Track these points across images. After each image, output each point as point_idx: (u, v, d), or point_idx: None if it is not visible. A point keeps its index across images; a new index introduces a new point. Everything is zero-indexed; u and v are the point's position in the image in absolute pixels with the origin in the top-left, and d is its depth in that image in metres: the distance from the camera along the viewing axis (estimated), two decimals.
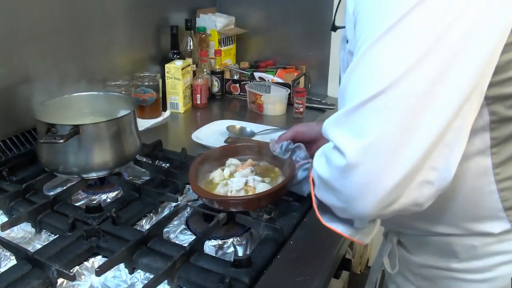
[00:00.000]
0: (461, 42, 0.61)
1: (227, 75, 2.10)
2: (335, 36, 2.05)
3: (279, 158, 1.11)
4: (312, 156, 0.85)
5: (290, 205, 1.08)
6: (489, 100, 0.71)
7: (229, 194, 1.05)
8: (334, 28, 0.91)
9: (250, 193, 1.04)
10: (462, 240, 0.84)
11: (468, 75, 0.63)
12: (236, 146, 1.23)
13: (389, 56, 0.63)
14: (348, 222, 0.79)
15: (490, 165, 0.77)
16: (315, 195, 0.79)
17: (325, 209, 0.79)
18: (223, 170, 1.13)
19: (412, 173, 0.63)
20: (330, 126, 0.69)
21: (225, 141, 1.53)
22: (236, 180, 1.08)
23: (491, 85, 0.68)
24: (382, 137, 0.62)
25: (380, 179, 0.63)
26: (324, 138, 0.74)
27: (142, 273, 0.89)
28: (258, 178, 1.09)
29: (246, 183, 1.07)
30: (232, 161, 1.17)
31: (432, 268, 0.91)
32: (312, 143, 1.11)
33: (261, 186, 1.06)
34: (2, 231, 0.98)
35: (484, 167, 0.77)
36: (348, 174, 0.64)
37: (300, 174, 1.07)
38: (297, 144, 1.09)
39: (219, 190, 1.06)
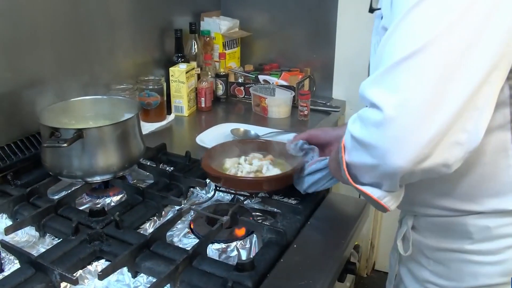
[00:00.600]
0: (492, 8, 0.66)
1: (231, 78, 2.10)
2: (340, 38, 2.05)
3: (294, 157, 1.14)
4: None
5: (293, 208, 1.08)
6: (509, 74, 0.73)
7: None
8: (372, 10, 0.92)
9: None
10: (477, 221, 0.86)
11: (494, 43, 0.67)
12: (255, 141, 1.32)
13: (425, 18, 0.67)
14: (377, 187, 0.81)
15: (509, 140, 0.80)
16: (346, 161, 0.82)
17: (355, 178, 0.83)
18: (239, 157, 1.22)
19: (444, 131, 0.66)
20: (367, 85, 0.73)
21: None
22: (248, 166, 1.16)
23: None
24: (417, 93, 0.66)
25: (414, 134, 0.66)
26: (336, 142, 0.75)
27: (145, 277, 0.89)
28: (272, 167, 1.16)
29: (258, 170, 1.16)
30: (255, 154, 1.23)
31: (445, 251, 0.93)
32: (325, 147, 1.13)
33: (271, 173, 1.14)
34: (6, 235, 0.98)
35: (503, 142, 0.80)
36: (384, 128, 0.68)
37: (307, 170, 1.08)
38: (312, 146, 1.11)
39: (230, 170, 1.16)
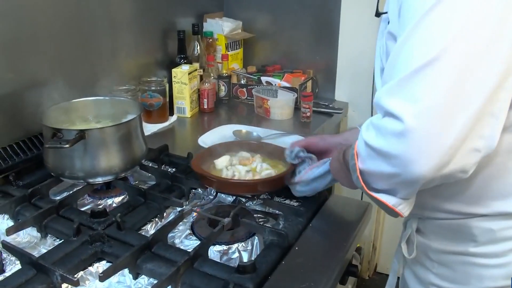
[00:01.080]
0: (504, 12, 0.66)
1: (234, 80, 2.10)
2: (343, 40, 2.05)
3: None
4: None
5: (295, 210, 1.08)
6: None
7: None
8: (378, 14, 0.93)
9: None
10: (481, 223, 0.86)
11: (508, 47, 0.68)
12: (248, 143, 1.32)
13: (438, 25, 0.68)
14: (390, 194, 0.82)
15: None
16: (360, 169, 0.82)
17: (369, 184, 0.84)
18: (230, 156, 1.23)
19: (463, 137, 0.68)
20: (384, 95, 0.73)
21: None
22: (242, 167, 1.18)
23: None
24: (435, 102, 0.67)
25: (436, 142, 0.68)
26: (335, 149, 0.75)
27: (146, 278, 0.89)
28: (265, 165, 1.17)
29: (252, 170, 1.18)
30: (242, 153, 1.23)
31: (450, 254, 0.93)
32: (324, 154, 1.12)
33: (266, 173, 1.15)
34: (7, 235, 0.98)
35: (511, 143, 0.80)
36: (405, 138, 0.69)
37: (303, 178, 1.07)
38: (310, 155, 1.11)
39: (223, 172, 1.16)
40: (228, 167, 1.18)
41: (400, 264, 1.09)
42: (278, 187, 1.13)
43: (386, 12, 0.88)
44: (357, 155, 0.82)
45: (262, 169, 1.18)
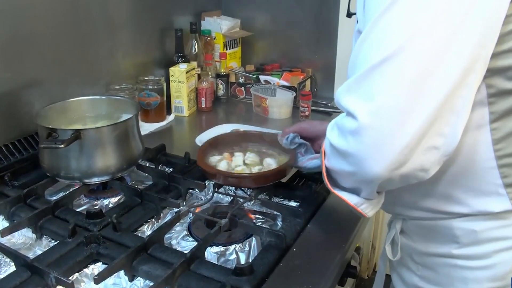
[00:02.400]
0: (465, 11, 0.65)
1: (232, 78, 2.08)
2: (342, 39, 2.03)
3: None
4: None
5: (293, 211, 1.07)
6: (486, 73, 0.72)
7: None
8: (349, 14, 0.92)
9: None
10: (463, 224, 0.85)
11: (469, 45, 0.66)
12: (244, 133, 1.36)
13: (396, 23, 0.67)
14: (355, 193, 0.84)
15: (489, 141, 0.78)
16: (325, 166, 0.84)
17: (335, 182, 0.86)
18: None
19: (420, 136, 0.67)
20: (342, 94, 0.73)
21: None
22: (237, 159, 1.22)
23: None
24: (390, 100, 0.66)
25: (390, 140, 0.67)
26: (324, 136, 0.81)
27: (142, 280, 0.88)
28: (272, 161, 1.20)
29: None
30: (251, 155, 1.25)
31: (433, 256, 0.92)
32: (314, 141, 1.15)
33: (269, 161, 1.19)
34: (2, 237, 0.96)
35: (483, 143, 0.79)
36: (359, 136, 0.69)
37: (304, 166, 1.11)
38: (304, 142, 1.13)
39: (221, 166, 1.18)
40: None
41: (384, 267, 1.09)
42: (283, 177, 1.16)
43: (355, 13, 0.87)
44: (324, 153, 0.84)
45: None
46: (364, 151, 0.70)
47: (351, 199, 0.85)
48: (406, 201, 0.92)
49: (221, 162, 1.20)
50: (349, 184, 0.83)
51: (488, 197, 0.81)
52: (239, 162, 1.19)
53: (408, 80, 0.66)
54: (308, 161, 1.09)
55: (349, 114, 0.71)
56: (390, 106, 0.66)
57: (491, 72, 0.73)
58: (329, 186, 0.86)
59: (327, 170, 0.85)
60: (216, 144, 1.27)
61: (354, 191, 0.84)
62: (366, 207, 0.85)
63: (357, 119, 0.68)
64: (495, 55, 0.71)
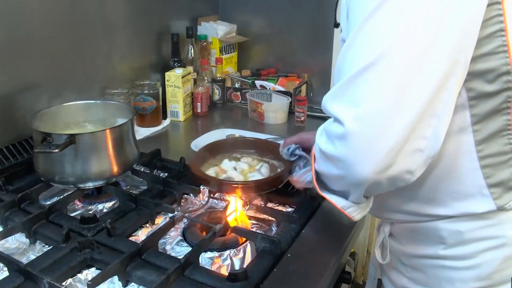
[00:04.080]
0: (443, 16, 0.68)
1: (228, 83, 2.09)
2: (337, 44, 2.03)
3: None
4: None
5: (288, 216, 1.06)
6: (466, 76, 0.74)
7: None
8: (336, 24, 0.94)
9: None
10: (449, 225, 0.86)
11: (448, 49, 0.69)
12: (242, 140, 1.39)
13: (377, 30, 0.69)
14: (344, 196, 0.86)
15: (472, 143, 0.80)
16: (315, 170, 0.87)
17: (324, 185, 0.88)
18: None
19: (404, 139, 0.69)
20: (328, 100, 0.76)
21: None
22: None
23: None
24: (374, 105, 0.68)
25: (376, 144, 0.69)
26: None
27: (136, 286, 0.87)
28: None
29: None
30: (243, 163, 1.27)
31: (421, 258, 0.93)
32: None
33: (265, 170, 1.21)
34: None
35: (466, 145, 0.80)
36: (346, 141, 0.71)
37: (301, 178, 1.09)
38: (305, 155, 1.13)
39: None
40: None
41: (375, 270, 1.10)
42: (278, 185, 1.16)
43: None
44: (314, 157, 0.86)
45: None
46: (351, 155, 0.72)
47: (338, 202, 0.87)
48: (392, 205, 0.93)
49: (214, 170, 1.23)
50: (338, 187, 0.85)
51: (472, 198, 0.83)
52: (231, 169, 1.22)
53: (391, 85, 0.68)
54: (304, 175, 1.08)
55: (336, 119, 0.73)
56: (374, 111, 0.68)
57: (471, 76, 0.75)
58: (318, 189, 0.88)
59: (317, 173, 0.87)
60: (211, 151, 1.29)
61: (343, 195, 0.86)
62: (353, 211, 0.87)
63: (343, 124, 0.70)
64: (474, 59, 0.73)
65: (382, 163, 0.70)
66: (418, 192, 0.86)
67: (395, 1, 0.68)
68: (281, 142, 1.21)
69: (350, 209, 0.86)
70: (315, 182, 0.88)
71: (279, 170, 1.21)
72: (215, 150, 1.31)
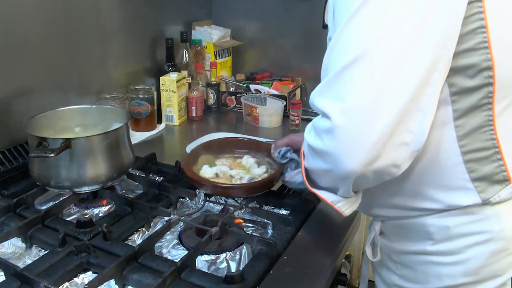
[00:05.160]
0: (426, 12, 0.70)
1: (222, 88, 2.09)
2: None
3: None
4: None
5: (284, 219, 1.07)
6: (448, 72, 0.76)
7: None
8: (325, 26, 0.95)
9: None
10: (436, 220, 0.87)
11: (431, 45, 0.71)
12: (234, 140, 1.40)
13: (362, 26, 0.71)
14: (333, 191, 0.88)
15: (454, 138, 0.81)
16: (304, 166, 0.89)
17: (314, 182, 0.90)
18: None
19: (389, 133, 0.70)
20: (316, 96, 0.78)
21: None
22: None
23: None
24: (360, 99, 0.70)
25: (362, 137, 0.71)
26: None
27: None
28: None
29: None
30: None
31: (410, 254, 0.94)
32: None
33: (257, 171, 1.23)
34: None
35: (449, 140, 0.82)
36: (333, 135, 0.73)
37: (291, 181, 1.14)
38: (297, 158, 1.14)
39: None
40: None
41: (367, 269, 1.11)
42: (270, 187, 1.18)
43: None
44: (303, 154, 0.88)
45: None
46: (338, 148, 0.73)
47: (328, 197, 0.88)
48: (379, 201, 0.94)
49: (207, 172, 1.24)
50: (326, 183, 0.87)
51: (457, 192, 0.84)
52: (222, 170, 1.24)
53: (375, 80, 0.70)
54: (296, 176, 1.12)
55: (323, 114, 0.75)
56: (360, 105, 0.70)
57: (453, 71, 0.76)
58: (308, 185, 0.90)
59: (306, 171, 0.89)
60: (204, 151, 1.31)
61: (332, 191, 0.88)
62: (342, 205, 0.89)
63: (330, 118, 0.72)
64: (455, 55, 0.75)
65: (368, 155, 0.71)
66: (403, 186, 0.88)
67: (378, 0, 0.71)
68: (272, 144, 1.22)
69: (339, 203, 0.88)
70: (305, 179, 0.90)
71: (272, 171, 1.22)
72: (208, 151, 1.33)
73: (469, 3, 0.73)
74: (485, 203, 0.83)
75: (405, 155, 0.74)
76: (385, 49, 0.70)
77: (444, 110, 0.80)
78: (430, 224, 0.88)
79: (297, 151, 1.15)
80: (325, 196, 0.89)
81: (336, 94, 0.73)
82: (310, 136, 0.82)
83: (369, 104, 0.70)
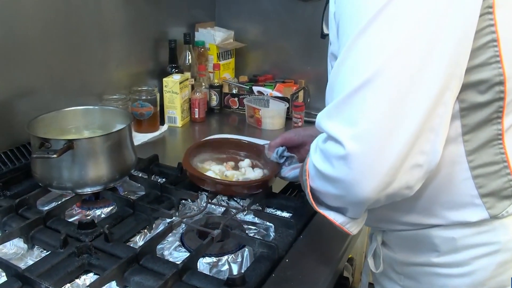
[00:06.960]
0: (437, 30, 0.66)
1: (225, 89, 2.09)
2: None
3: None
4: (302, 161, 0.91)
5: (286, 222, 1.07)
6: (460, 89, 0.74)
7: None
8: (323, 35, 0.93)
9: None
10: (442, 232, 0.85)
11: (443, 63, 0.67)
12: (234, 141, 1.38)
13: (371, 47, 0.67)
14: (340, 211, 0.84)
15: (463, 153, 0.79)
16: (310, 186, 0.83)
17: (319, 200, 0.85)
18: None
19: (404, 156, 0.67)
20: (323, 119, 0.74)
21: None
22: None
23: None
24: (373, 123, 0.67)
25: (377, 163, 0.67)
26: (309, 142, 0.80)
27: None
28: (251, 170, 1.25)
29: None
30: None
31: (414, 265, 0.92)
32: (300, 147, 1.19)
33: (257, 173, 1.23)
34: None
35: (457, 155, 0.79)
36: (346, 162, 0.68)
37: (286, 176, 1.16)
38: (292, 155, 1.17)
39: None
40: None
41: (367, 279, 1.09)
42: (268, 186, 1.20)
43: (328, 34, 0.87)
44: (308, 173, 0.83)
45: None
46: (352, 176, 0.69)
47: (337, 219, 0.85)
48: (387, 217, 0.92)
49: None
50: (335, 204, 0.84)
51: (465, 208, 0.82)
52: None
53: (388, 102, 0.66)
54: (289, 172, 1.14)
55: (332, 139, 0.71)
56: (372, 129, 0.67)
57: (464, 87, 0.74)
58: (314, 205, 0.86)
59: (312, 189, 0.84)
60: (201, 151, 1.31)
61: (340, 210, 0.84)
62: (351, 226, 0.85)
63: (343, 145, 0.68)
64: (467, 70, 0.72)
65: (383, 181, 0.68)
66: (412, 204, 0.85)
67: (387, 16, 0.66)
68: (266, 145, 1.22)
69: (348, 225, 0.85)
70: (311, 199, 0.85)
71: (265, 171, 1.23)
72: (205, 151, 1.33)
73: (480, 15, 0.70)
74: (493, 217, 0.81)
75: (418, 177, 0.71)
76: (397, 69, 0.66)
77: (453, 126, 0.77)
78: (435, 235, 0.86)
79: (291, 148, 1.18)
80: (334, 217, 0.85)
81: (346, 118, 0.69)
82: (317, 158, 0.77)
83: (382, 128, 0.67)
